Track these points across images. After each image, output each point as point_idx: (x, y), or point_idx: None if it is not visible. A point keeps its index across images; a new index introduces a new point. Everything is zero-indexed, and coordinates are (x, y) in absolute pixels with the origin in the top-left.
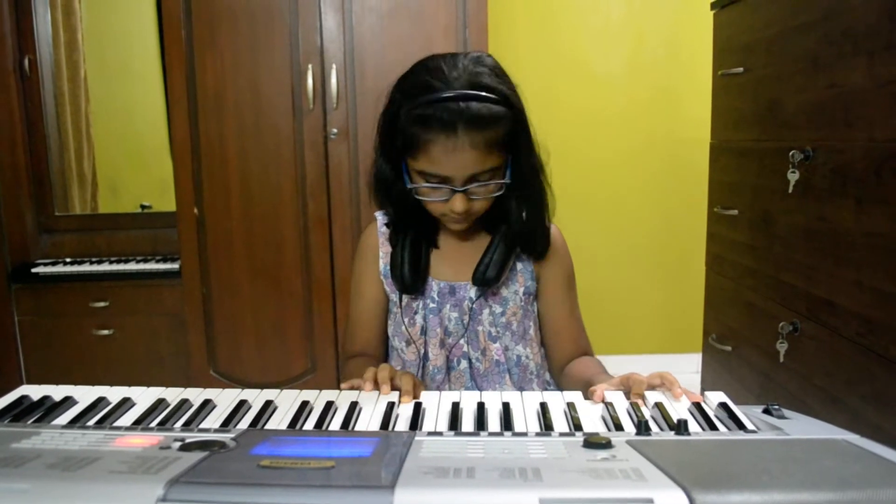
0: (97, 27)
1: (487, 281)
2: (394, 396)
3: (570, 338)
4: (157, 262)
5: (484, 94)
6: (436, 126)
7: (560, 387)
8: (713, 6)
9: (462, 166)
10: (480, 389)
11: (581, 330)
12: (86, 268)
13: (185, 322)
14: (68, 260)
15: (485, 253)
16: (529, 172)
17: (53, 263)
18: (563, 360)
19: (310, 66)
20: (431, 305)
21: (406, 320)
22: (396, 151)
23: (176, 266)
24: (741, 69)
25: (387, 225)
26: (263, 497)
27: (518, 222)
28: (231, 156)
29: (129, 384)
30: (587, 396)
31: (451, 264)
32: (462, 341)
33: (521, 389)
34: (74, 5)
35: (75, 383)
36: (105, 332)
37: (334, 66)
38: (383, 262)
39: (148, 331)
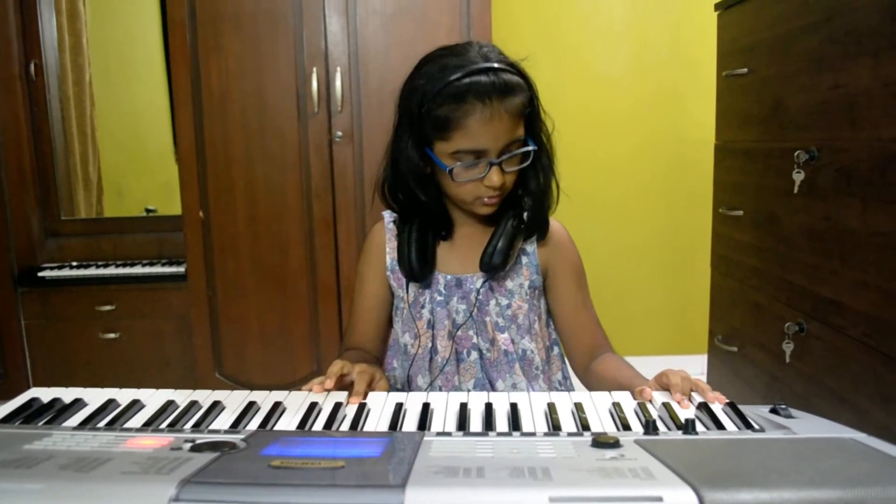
0: (102, 31)
1: (494, 266)
2: (341, 396)
3: (586, 333)
4: (163, 265)
5: (504, 66)
6: (472, 98)
7: (587, 385)
8: (717, 7)
9: (499, 135)
10: (490, 380)
11: (597, 324)
12: (92, 271)
13: (191, 325)
14: (74, 263)
15: (490, 238)
16: (542, 144)
17: (59, 267)
18: (583, 356)
19: (314, 69)
20: (439, 298)
21: (413, 313)
22: (423, 140)
23: (182, 269)
24: (745, 70)
25: (394, 222)
26: (275, 497)
27: (531, 193)
28: (236, 159)
29: (136, 387)
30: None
31: (457, 257)
32: (471, 332)
33: (530, 381)
34: (79, 10)
35: (82, 387)
36: (111, 335)
37: (338, 69)
38: (390, 257)
39: (154, 334)
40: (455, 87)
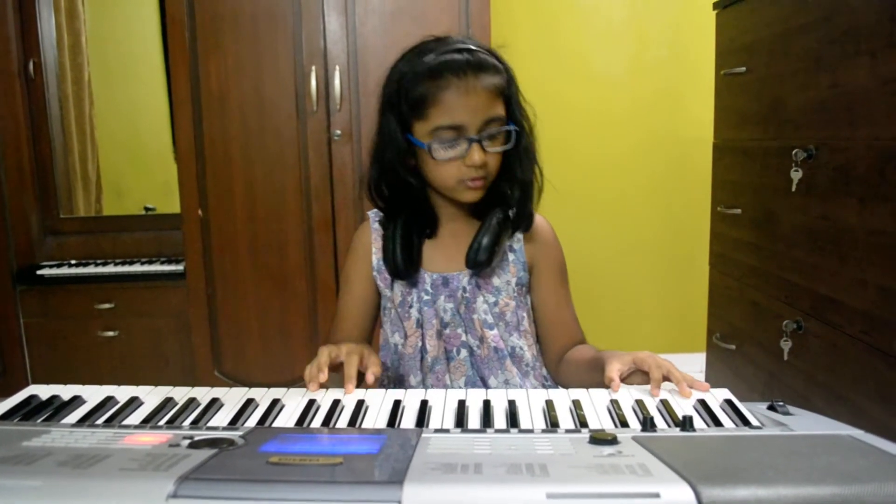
0: (101, 30)
1: (480, 263)
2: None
3: (564, 329)
4: (162, 263)
5: (480, 49)
6: (447, 73)
7: (556, 378)
8: (715, 6)
9: (476, 110)
10: (482, 377)
11: (575, 320)
12: (91, 270)
13: (190, 323)
14: (73, 262)
15: (476, 235)
16: (523, 132)
17: (58, 265)
18: (559, 350)
19: (313, 67)
20: (426, 297)
21: (402, 313)
22: (403, 124)
23: (180, 268)
24: (744, 69)
25: (379, 222)
26: (273, 493)
27: (517, 184)
28: (235, 158)
29: (135, 385)
30: (600, 380)
31: (443, 255)
32: (459, 330)
33: (522, 377)
34: (78, 8)
35: (80, 384)
36: (110, 333)
37: (337, 67)
38: (376, 257)
39: (153, 332)
40: (430, 65)
